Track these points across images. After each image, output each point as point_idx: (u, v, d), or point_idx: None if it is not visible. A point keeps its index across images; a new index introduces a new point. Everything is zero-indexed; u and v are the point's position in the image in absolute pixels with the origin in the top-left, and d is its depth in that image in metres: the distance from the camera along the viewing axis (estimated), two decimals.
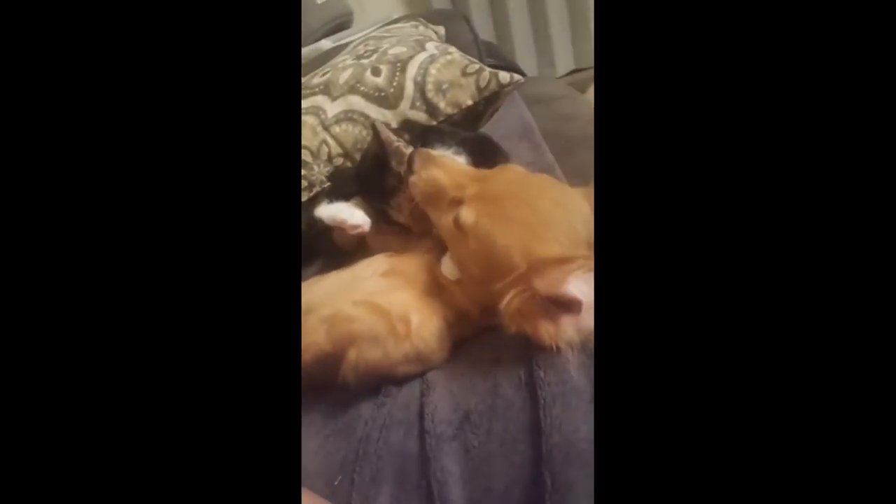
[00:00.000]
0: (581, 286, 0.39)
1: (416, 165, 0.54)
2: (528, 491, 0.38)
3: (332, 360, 0.48)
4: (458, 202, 0.49)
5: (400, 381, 0.49)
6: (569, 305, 0.39)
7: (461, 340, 0.52)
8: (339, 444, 0.47)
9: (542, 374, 0.41)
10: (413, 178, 0.55)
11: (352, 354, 0.47)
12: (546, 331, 0.40)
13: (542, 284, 0.40)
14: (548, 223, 0.45)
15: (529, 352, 0.43)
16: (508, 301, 0.41)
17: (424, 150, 0.56)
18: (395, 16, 1.17)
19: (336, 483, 0.44)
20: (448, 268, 0.52)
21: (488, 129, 0.80)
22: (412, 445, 0.43)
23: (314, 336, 0.48)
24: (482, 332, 0.51)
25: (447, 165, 0.54)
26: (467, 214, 0.47)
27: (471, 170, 0.55)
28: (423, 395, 0.46)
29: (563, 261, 0.40)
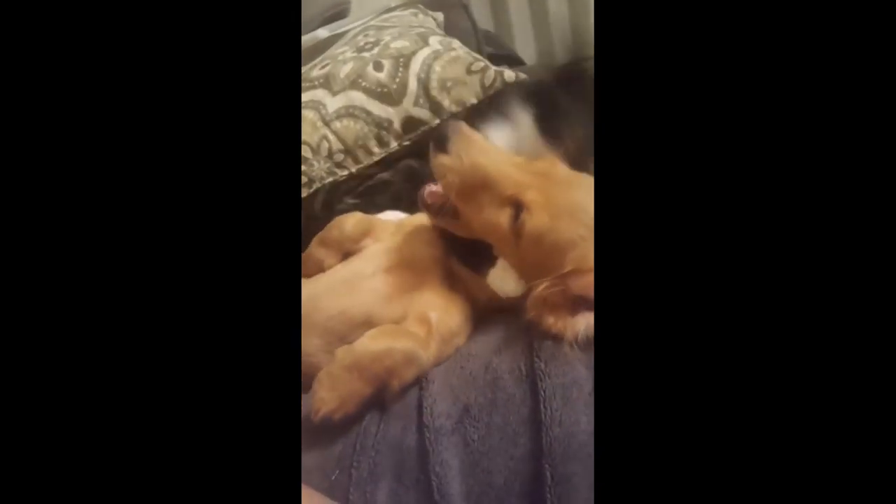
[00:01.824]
0: None
1: (454, 144, 0.47)
2: (528, 484, 0.38)
3: (375, 397, 0.46)
4: (514, 202, 0.45)
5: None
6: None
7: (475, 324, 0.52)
8: (336, 438, 0.46)
9: (542, 365, 0.40)
10: (447, 161, 0.47)
11: (395, 384, 0.45)
12: (561, 321, 0.41)
13: (578, 285, 0.41)
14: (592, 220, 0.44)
15: (530, 343, 0.43)
16: (539, 292, 0.42)
17: (462, 125, 0.48)
18: (394, 4, 1.15)
19: (333, 478, 0.43)
20: (508, 284, 0.49)
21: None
22: (411, 439, 0.43)
23: (351, 386, 0.44)
24: (487, 315, 0.51)
25: (491, 152, 0.48)
26: (538, 222, 0.44)
27: (518, 160, 0.49)
28: (421, 388, 0.46)
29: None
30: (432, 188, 0.51)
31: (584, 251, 0.43)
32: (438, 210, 0.51)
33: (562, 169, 0.48)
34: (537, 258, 0.45)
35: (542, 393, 0.39)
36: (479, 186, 0.47)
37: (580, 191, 0.46)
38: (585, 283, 0.41)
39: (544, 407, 0.38)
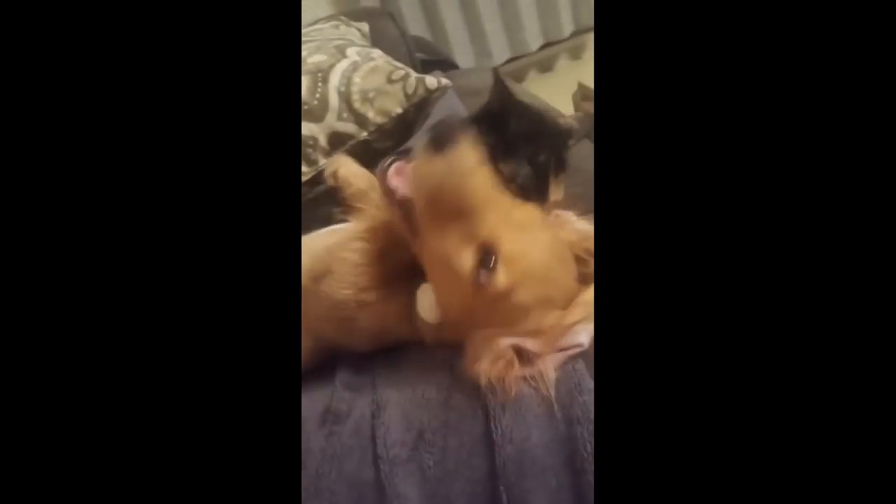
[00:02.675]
0: (579, 336, 0.38)
1: (452, 149, 0.38)
2: None
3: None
4: (486, 248, 0.38)
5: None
6: (562, 349, 0.39)
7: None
8: None
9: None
10: (434, 164, 0.38)
11: None
12: (520, 378, 0.38)
13: (539, 345, 0.39)
14: (559, 286, 0.41)
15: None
16: (488, 369, 0.38)
17: (471, 128, 0.40)
18: (320, 17, 1.13)
19: None
20: (427, 309, 0.45)
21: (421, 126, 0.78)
22: (367, 473, 0.41)
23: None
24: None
25: (485, 178, 0.39)
26: (508, 280, 0.38)
27: (504, 199, 0.41)
28: (374, 416, 0.44)
29: (563, 321, 0.39)
30: (401, 164, 0.42)
31: (543, 314, 0.40)
32: (398, 200, 0.42)
33: (540, 221, 0.43)
34: (481, 311, 0.41)
35: (492, 412, 0.38)
36: (454, 211, 0.39)
37: (556, 250, 0.42)
38: (546, 341, 0.39)
39: (494, 426, 0.37)
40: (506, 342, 0.39)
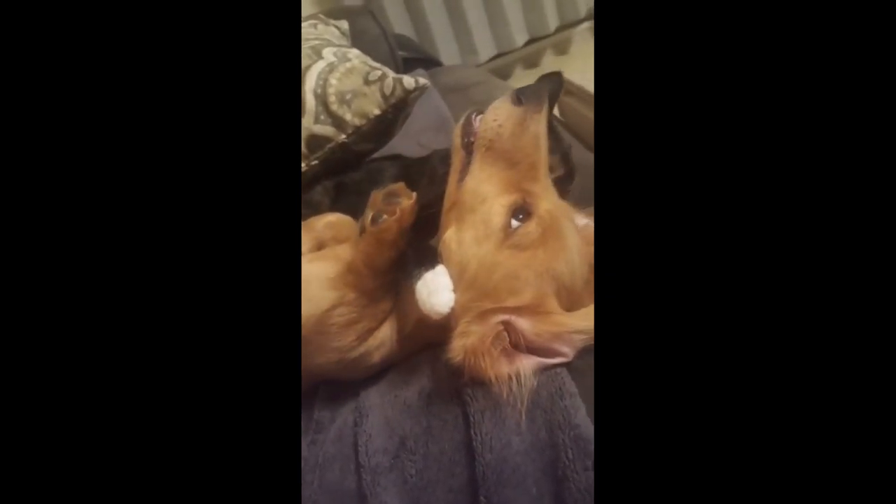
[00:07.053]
0: (568, 347, 0.38)
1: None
2: None
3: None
4: (525, 201, 0.42)
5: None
6: (546, 353, 0.38)
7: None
8: None
9: (469, 391, 0.39)
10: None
11: None
12: (498, 370, 0.37)
13: (532, 326, 0.38)
14: (573, 271, 0.42)
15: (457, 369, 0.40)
16: (464, 334, 0.38)
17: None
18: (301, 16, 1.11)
19: None
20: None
21: (403, 126, 0.77)
22: (350, 482, 0.40)
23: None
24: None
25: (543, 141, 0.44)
26: (534, 231, 0.41)
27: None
28: (356, 424, 0.44)
29: (568, 319, 0.39)
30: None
31: (545, 292, 0.40)
32: (469, 147, 0.46)
33: (570, 211, 0.46)
34: (497, 265, 0.41)
35: (472, 418, 0.37)
36: (510, 157, 0.43)
37: (581, 247, 0.44)
38: (545, 328, 0.38)
39: (474, 433, 0.37)
40: (499, 318, 0.39)
